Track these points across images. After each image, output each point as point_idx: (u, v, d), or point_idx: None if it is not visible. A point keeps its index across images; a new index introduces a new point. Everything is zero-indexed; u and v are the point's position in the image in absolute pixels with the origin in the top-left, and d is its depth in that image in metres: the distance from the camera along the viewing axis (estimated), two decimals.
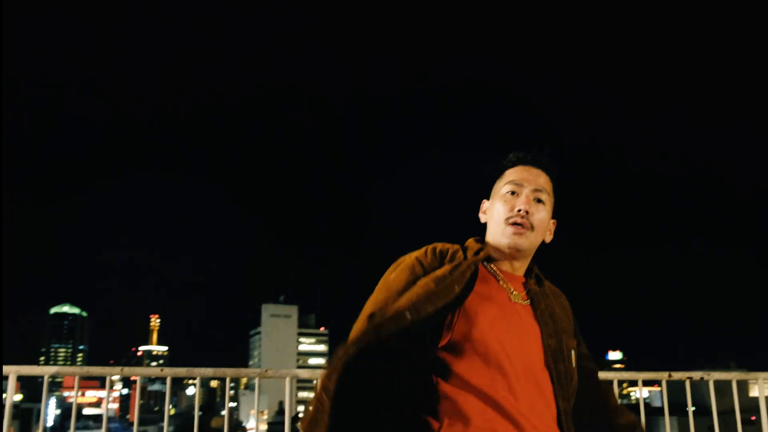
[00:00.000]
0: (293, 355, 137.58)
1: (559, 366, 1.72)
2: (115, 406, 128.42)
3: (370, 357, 1.54)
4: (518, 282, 1.82)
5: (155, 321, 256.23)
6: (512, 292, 1.76)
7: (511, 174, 1.84)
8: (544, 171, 1.85)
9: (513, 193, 1.80)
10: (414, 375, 1.62)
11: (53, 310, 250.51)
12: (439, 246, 1.85)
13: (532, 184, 1.80)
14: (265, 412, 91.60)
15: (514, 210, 1.78)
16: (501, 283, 1.77)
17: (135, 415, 3.09)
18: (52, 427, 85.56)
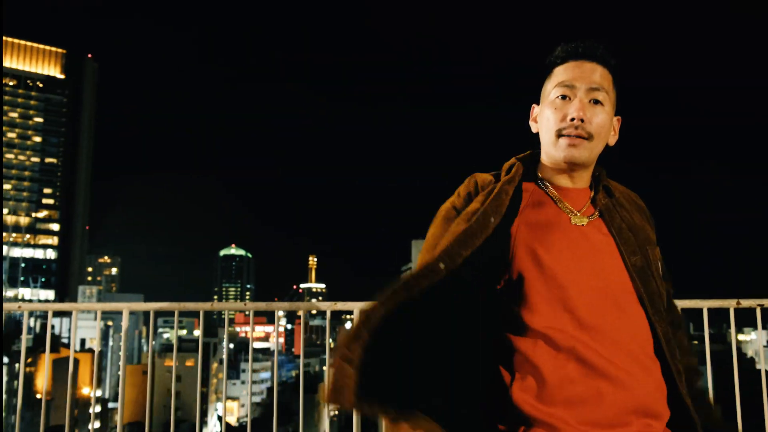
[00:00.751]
0: None
1: (650, 286, 1.47)
2: (281, 340, 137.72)
3: (404, 318, 1.35)
4: (583, 197, 1.57)
5: (313, 260, 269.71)
6: (574, 213, 1.52)
7: (561, 73, 1.54)
8: (599, 63, 1.53)
9: (564, 97, 1.52)
10: (477, 325, 1.45)
11: (222, 253, 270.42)
12: (476, 177, 1.64)
13: (586, 83, 1.51)
14: None
15: (566, 119, 1.50)
16: (559, 204, 1.54)
17: (301, 348, 3.41)
18: (227, 359, 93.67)
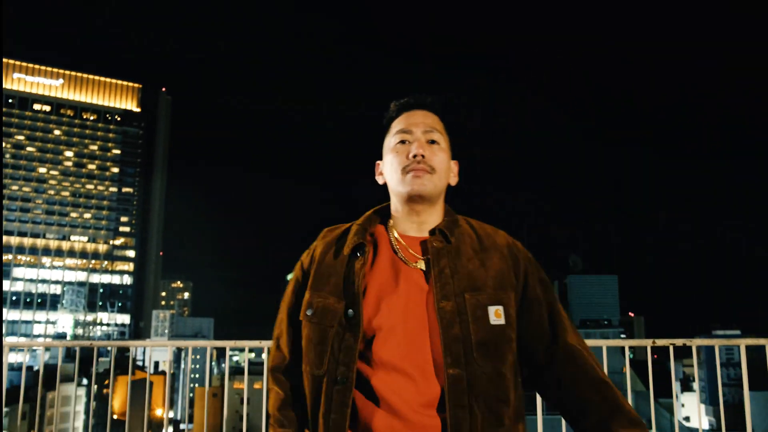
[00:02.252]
0: None
1: (451, 330, 1.48)
2: None
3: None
4: (419, 243, 1.64)
5: None
6: (410, 263, 1.60)
7: (398, 123, 1.70)
8: (430, 111, 1.71)
9: (403, 141, 1.66)
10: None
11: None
12: (323, 234, 1.79)
13: (421, 126, 1.66)
14: None
15: (408, 157, 1.63)
16: (398, 253, 1.62)
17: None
18: None
